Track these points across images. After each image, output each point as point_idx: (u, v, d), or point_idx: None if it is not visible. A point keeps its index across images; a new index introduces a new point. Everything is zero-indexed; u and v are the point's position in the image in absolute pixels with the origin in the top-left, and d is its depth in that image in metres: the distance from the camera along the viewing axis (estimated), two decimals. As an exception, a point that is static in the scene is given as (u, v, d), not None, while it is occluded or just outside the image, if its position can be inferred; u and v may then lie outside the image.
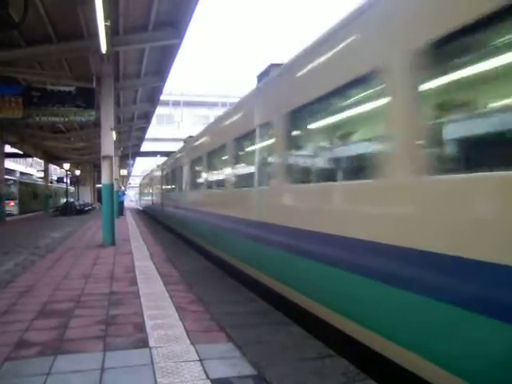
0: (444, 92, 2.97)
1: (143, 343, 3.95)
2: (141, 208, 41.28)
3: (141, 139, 32.73)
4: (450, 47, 2.71)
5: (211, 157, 9.26)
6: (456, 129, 2.90)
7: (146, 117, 24.04)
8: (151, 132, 35.08)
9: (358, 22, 3.77)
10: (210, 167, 9.46)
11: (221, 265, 8.13)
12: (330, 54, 4.20)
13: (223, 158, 8.02)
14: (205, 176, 9.91)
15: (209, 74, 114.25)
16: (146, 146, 39.39)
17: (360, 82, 3.59)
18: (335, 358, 3.65)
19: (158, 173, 21.75)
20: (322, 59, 4.35)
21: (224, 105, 49.49)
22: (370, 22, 3.56)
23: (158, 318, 4.74)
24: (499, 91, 2.68)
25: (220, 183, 8.29)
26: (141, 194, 42.52)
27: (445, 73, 2.86)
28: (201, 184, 10.36)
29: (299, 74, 4.90)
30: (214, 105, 56.79)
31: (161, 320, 4.68)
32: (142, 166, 57.36)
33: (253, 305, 5.43)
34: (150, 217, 27.70)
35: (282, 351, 3.81)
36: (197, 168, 10.89)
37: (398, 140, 3.12)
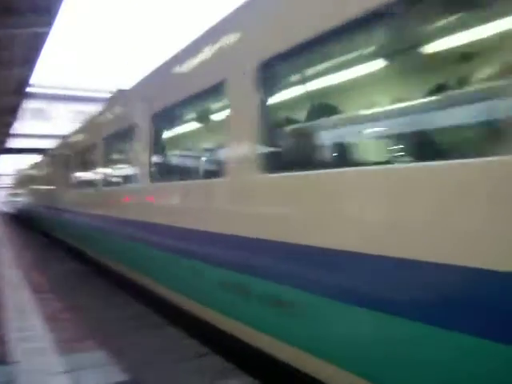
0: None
1: (6, 358, 3.63)
2: (13, 212, 37.25)
3: (8, 135, 29.86)
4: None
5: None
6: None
7: (14, 111, 21.96)
8: (24, 128, 32.31)
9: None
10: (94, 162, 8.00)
11: (99, 269, 7.74)
12: None
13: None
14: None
15: (88, 69, 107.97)
16: (18, 143, 36.01)
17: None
18: (212, 355, 3.73)
19: (42, 168, 17.87)
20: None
21: (103, 100, 47.28)
22: None
23: (24, 330, 4.40)
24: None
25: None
26: (14, 195, 38.34)
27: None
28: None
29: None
30: (92, 100, 53.92)
31: (27, 332, 4.35)
32: (14, 165, 52.08)
33: (129, 309, 5.30)
34: (23, 220, 25.22)
35: (158, 354, 3.78)
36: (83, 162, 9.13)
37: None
